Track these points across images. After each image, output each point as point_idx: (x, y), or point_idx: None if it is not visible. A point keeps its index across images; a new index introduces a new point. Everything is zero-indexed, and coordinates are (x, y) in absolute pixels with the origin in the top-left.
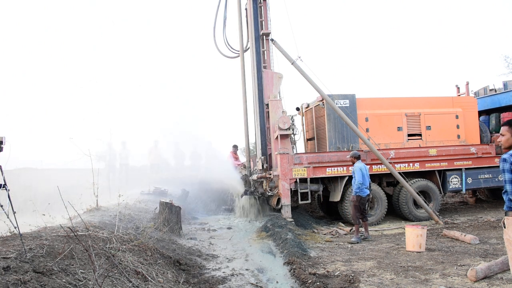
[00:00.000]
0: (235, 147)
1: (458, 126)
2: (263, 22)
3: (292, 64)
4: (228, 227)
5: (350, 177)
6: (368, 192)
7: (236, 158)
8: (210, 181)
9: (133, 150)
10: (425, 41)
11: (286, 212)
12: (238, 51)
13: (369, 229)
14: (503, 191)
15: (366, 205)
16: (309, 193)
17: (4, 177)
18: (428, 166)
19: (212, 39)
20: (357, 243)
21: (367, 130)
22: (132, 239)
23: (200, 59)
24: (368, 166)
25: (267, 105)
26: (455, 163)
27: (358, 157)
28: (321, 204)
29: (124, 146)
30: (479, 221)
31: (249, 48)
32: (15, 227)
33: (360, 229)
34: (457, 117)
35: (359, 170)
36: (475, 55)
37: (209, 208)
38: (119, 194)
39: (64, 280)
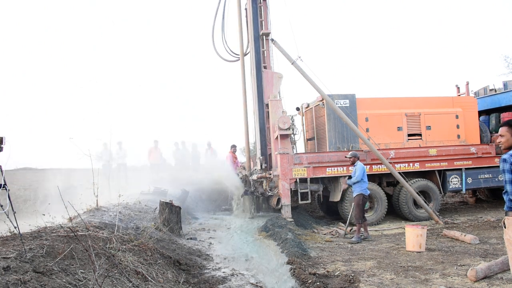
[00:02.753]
0: (234, 146)
1: (458, 126)
2: (263, 22)
3: (292, 64)
4: (228, 227)
5: (350, 178)
6: (369, 192)
7: (236, 158)
8: (210, 181)
9: (133, 150)
10: (425, 41)
11: (286, 212)
12: (238, 54)
13: (369, 229)
14: (504, 191)
15: (366, 205)
16: (309, 193)
17: (4, 177)
18: (428, 166)
19: (211, 42)
20: (358, 243)
21: (367, 130)
22: (132, 239)
23: (200, 59)
24: (368, 166)
25: (267, 105)
26: (455, 163)
27: (358, 158)
28: (321, 204)
29: (120, 146)
30: (479, 221)
31: (249, 52)
32: (15, 227)
33: (354, 228)
34: (457, 117)
35: (362, 168)
36: (475, 55)
37: (209, 208)
38: (119, 194)
39: (64, 280)
